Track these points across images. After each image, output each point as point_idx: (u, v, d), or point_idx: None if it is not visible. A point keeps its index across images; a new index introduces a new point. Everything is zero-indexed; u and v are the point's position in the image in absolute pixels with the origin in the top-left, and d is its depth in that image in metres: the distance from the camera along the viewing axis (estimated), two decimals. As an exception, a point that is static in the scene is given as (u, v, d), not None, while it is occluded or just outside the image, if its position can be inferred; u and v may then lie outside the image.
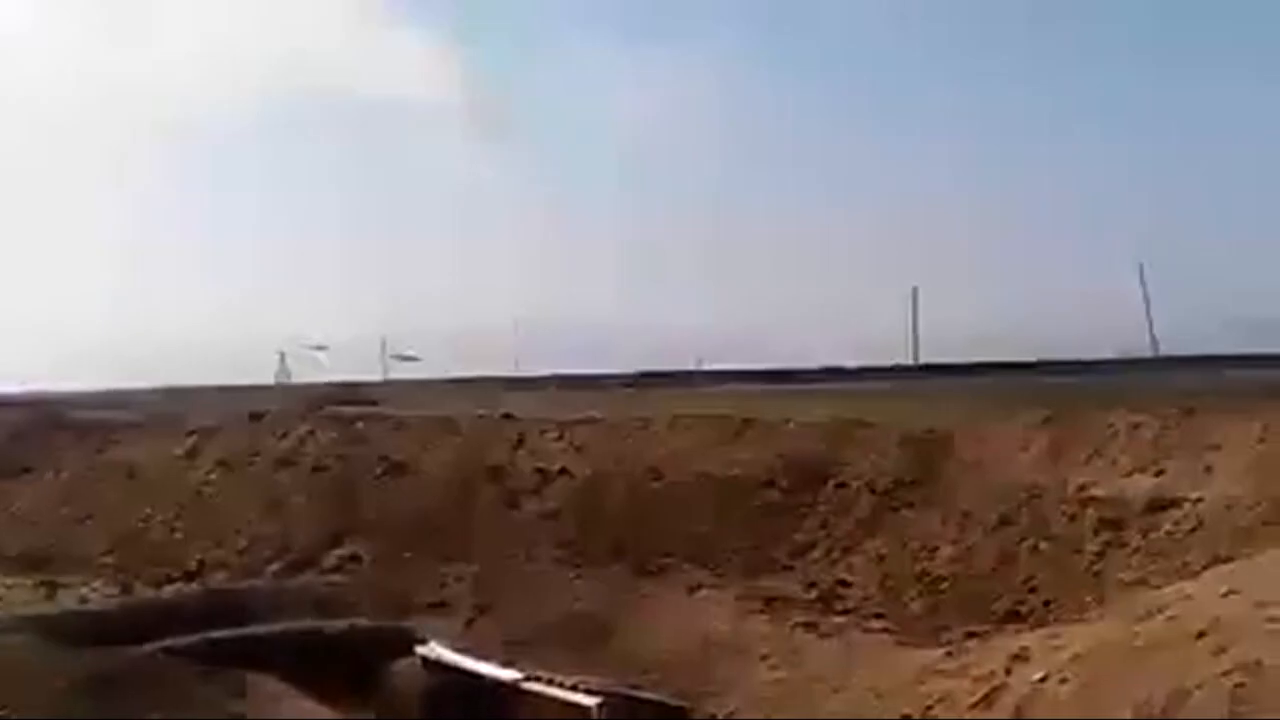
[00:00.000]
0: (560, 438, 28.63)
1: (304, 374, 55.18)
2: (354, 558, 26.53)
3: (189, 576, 27.02)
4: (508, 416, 31.00)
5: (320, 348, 57.29)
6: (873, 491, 23.18)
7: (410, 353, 56.10)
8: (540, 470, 27.28)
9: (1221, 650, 12.37)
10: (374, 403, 38.47)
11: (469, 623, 21.52)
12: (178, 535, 29.34)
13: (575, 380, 48.08)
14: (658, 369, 50.31)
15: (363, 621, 21.79)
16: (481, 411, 31.75)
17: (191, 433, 33.64)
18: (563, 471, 26.93)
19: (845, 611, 19.72)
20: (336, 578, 25.39)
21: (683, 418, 27.84)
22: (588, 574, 22.16)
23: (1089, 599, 17.70)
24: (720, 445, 26.42)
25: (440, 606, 22.40)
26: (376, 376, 54.52)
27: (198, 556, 27.95)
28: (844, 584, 21.00)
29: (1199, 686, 11.84)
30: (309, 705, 17.88)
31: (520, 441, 29.25)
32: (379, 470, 29.40)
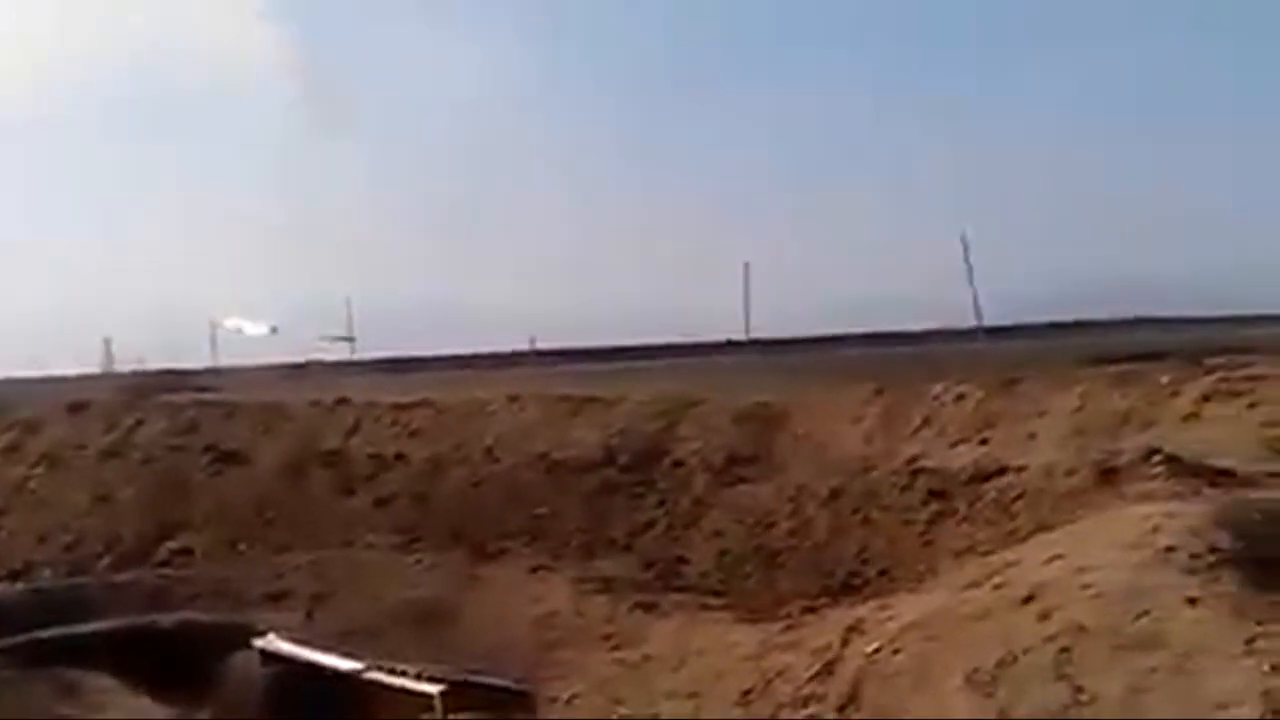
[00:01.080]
0: (395, 422, 28.39)
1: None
2: (186, 550, 26.01)
3: (13, 576, 26.18)
4: (342, 401, 30.62)
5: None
6: (708, 468, 23.36)
7: (343, 334, 54.64)
8: (375, 456, 27.03)
9: (1046, 615, 12.76)
10: (204, 389, 37.69)
11: (308, 614, 21.20)
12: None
13: (409, 362, 47.66)
14: (492, 350, 50.13)
15: (197, 615, 21.32)
16: (315, 397, 31.29)
17: (11, 425, 32.58)
18: (399, 457, 26.70)
19: (684, 589, 19.87)
20: (168, 571, 24.79)
21: (518, 398, 27.76)
22: (426, 560, 21.99)
23: (921, 568, 18.10)
24: (557, 425, 26.44)
25: (278, 598, 22.03)
26: (204, 363, 53.23)
27: (23, 556, 27.11)
28: (682, 561, 21.18)
29: (1026, 651, 12.20)
30: (142, 703, 17.47)
31: (355, 427, 28.96)
32: (210, 459, 28.82)
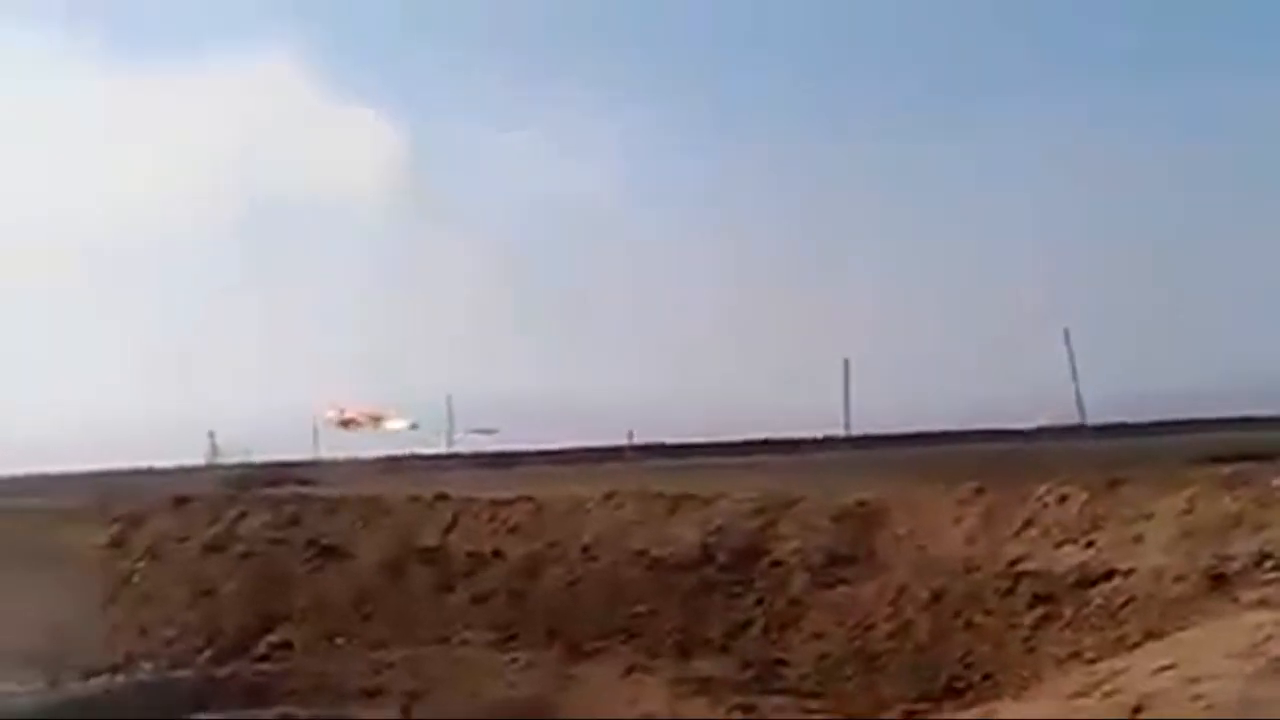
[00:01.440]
0: (493, 518, 28.48)
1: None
2: (285, 645, 26.16)
3: (115, 669, 26.47)
4: (441, 497, 30.80)
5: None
6: (807, 568, 23.16)
7: (487, 426, 55.11)
8: (472, 553, 27.09)
9: (1156, 725, 12.45)
10: (306, 483, 38.07)
11: (403, 709, 21.26)
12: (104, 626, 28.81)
13: (507, 456, 47.85)
14: (588, 445, 50.16)
15: (295, 711, 21.46)
16: (414, 492, 31.49)
17: (117, 519, 33.11)
18: (496, 553, 26.75)
19: (782, 691, 19.66)
20: (267, 666, 24.99)
21: (615, 495, 27.75)
22: (522, 657, 21.98)
23: (1025, 674, 17.76)
24: (654, 522, 26.36)
25: (374, 694, 22.12)
26: (308, 455, 53.76)
27: (125, 648, 27.43)
28: (781, 663, 20.94)
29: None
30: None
31: (454, 523, 29.07)
32: (310, 554, 29.07)
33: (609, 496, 27.95)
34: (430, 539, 28.28)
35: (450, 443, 55.27)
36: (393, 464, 48.00)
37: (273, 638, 26.47)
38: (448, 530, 28.80)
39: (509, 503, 29.16)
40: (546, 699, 20.05)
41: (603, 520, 27.03)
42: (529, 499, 29.05)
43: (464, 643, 23.80)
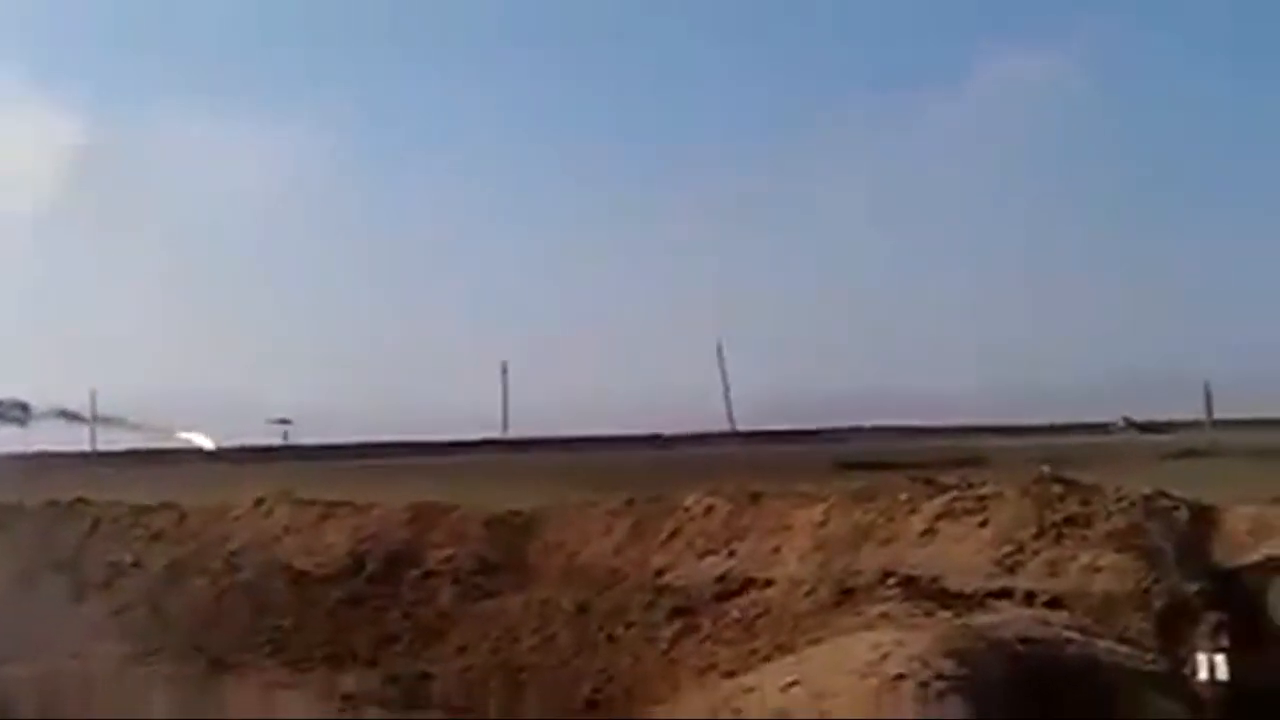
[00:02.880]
0: (135, 524, 27.37)
1: None
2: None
3: None
4: (80, 501, 29.42)
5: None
6: (456, 579, 23.10)
7: (283, 416, 52.21)
8: (112, 563, 25.91)
9: (783, 743, 12.98)
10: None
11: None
12: None
13: (153, 455, 46.17)
14: (248, 443, 49.00)
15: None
16: (51, 497, 29.90)
17: None
18: (136, 563, 25.67)
19: (427, 706, 19.52)
20: None
21: (264, 501, 27.05)
22: (160, 674, 21.14)
23: (663, 687, 18.16)
24: (305, 531, 25.82)
25: (-3, 715, 20.92)
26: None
27: None
28: (427, 676, 20.77)
29: (763, 781, 12.40)
30: None
31: (94, 528, 27.81)
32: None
33: (258, 503, 27.23)
34: (66, 548, 26.89)
35: (94, 440, 53.09)
36: (33, 462, 45.65)
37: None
38: (87, 536, 27.52)
39: (152, 509, 28.08)
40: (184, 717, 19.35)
41: (251, 528, 26.32)
42: (173, 505, 28.04)
43: (97, 658, 22.67)
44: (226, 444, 51.75)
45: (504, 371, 49.12)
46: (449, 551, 24.14)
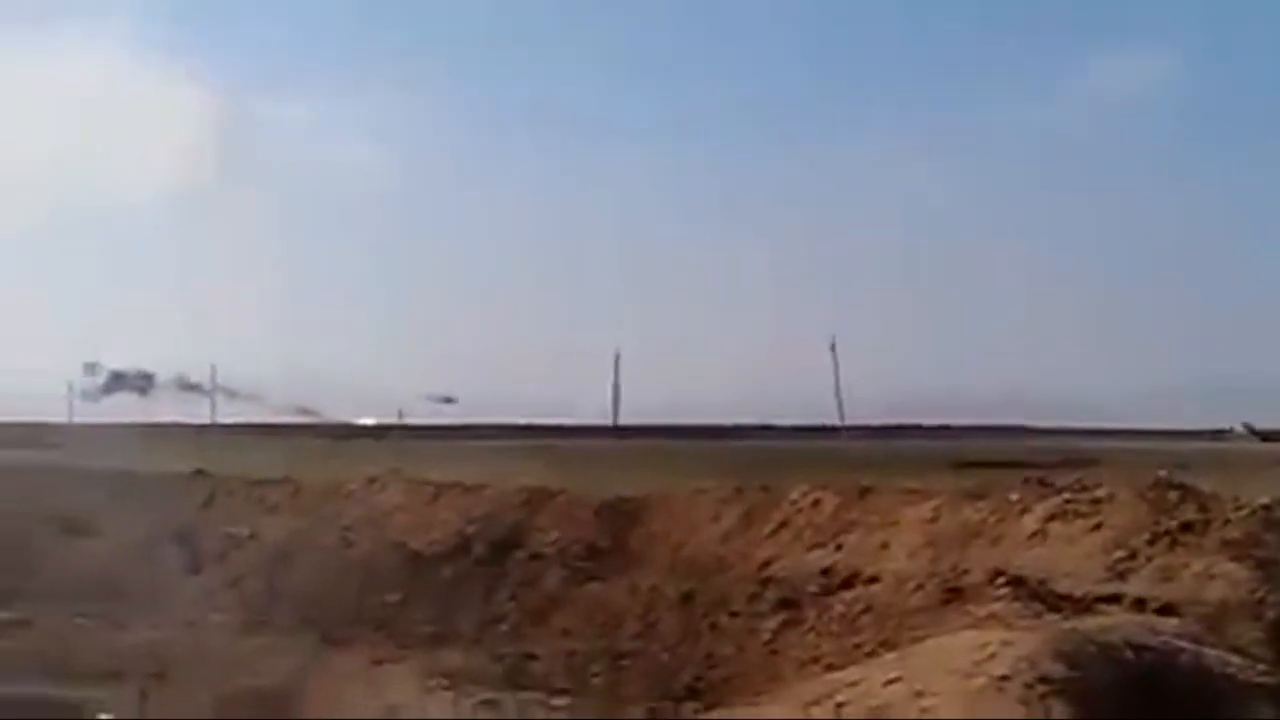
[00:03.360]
0: (251, 498, 27.94)
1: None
2: (21, 622, 25.14)
3: None
4: (199, 473, 30.10)
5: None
6: (564, 563, 23.25)
7: (447, 394, 53.00)
8: (229, 534, 26.47)
9: (884, 740, 12.89)
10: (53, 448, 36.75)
11: (141, 693, 20.66)
12: None
13: (269, 429, 47.00)
14: (360, 422, 49.64)
15: (27, 689, 20.66)
16: (170, 468, 30.64)
17: None
18: (251, 536, 26.20)
19: (529, 687, 19.69)
20: (1, 643, 24.01)
21: (377, 479, 27.46)
22: (271, 644, 21.57)
23: (764, 678, 18.15)
24: (416, 510, 26.15)
25: (114, 676, 21.45)
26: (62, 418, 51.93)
27: None
28: (530, 657, 20.96)
29: (861, 776, 12.35)
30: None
31: (210, 500, 28.44)
32: (55, 528, 28.00)
33: (371, 480, 27.65)
34: (184, 517, 27.53)
35: (214, 411, 54.11)
36: (153, 432, 46.67)
37: (8, 615, 25.42)
38: (204, 508, 28.15)
39: (269, 483, 28.63)
40: (290, 688, 19.70)
41: (364, 504, 26.72)
42: (289, 480, 28.56)
43: (212, 627, 23.20)
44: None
45: (617, 361, 49.14)
46: (557, 535, 24.31)
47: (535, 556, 23.81)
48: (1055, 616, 17.01)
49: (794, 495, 23.55)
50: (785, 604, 20.14)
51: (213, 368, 55.44)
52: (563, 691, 19.46)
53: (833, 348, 48.13)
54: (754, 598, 20.50)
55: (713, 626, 20.27)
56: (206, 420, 53.38)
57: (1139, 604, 18.62)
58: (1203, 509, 20.53)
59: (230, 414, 55.58)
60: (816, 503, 23.21)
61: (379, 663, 20.32)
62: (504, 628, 21.95)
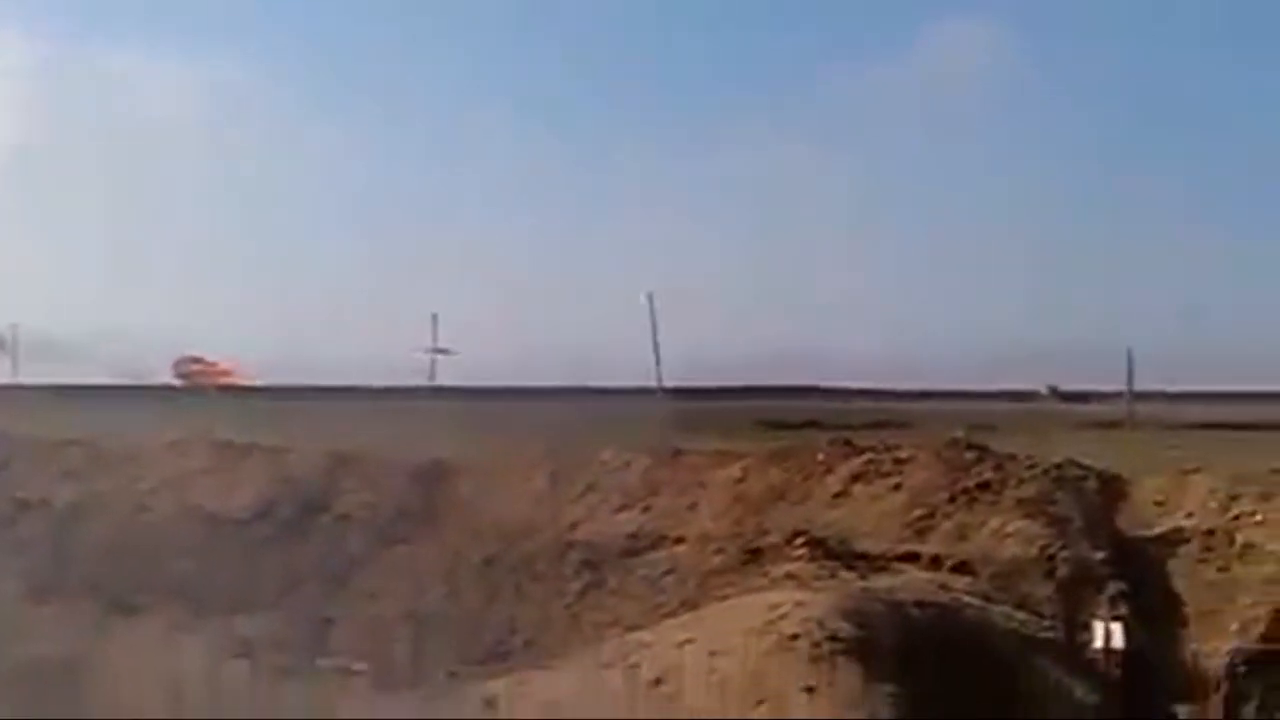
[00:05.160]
0: (47, 461, 26.99)
1: None
2: None
3: None
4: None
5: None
6: (370, 526, 22.91)
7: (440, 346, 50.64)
8: (18, 499, 25.52)
9: (674, 698, 12.95)
10: None
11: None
12: None
13: (70, 390, 45.36)
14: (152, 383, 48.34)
15: None
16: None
17: None
18: (43, 500, 25.29)
19: (329, 653, 19.32)
20: None
21: (179, 443, 26.71)
22: (57, 613, 20.83)
23: (566, 640, 18.11)
24: (220, 473, 25.52)
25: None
26: None
27: None
28: (328, 622, 20.58)
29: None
30: None
31: (4, 464, 27.43)
32: None
33: (174, 444, 26.89)
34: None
35: (15, 371, 52.07)
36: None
37: None
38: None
39: (67, 445, 27.69)
40: (74, 659, 19.04)
41: (165, 468, 25.98)
42: (88, 442, 27.64)
43: (-3, 596, 22.31)
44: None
45: (434, 322, 48.42)
46: (364, 497, 23.96)
47: (341, 519, 23.43)
48: (851, 575, 17.26)
49: (604, 456, 23.57)
50: (589, 566, 20.15)
51: (14, 326, 53.23)
52: (362, 655, 19.12)
53: (650, 305, 47.89)
54: (558, 560, 20.47)
55: (516, 589, 20.18)
56: (6, 381, 51.27)
57: (935, 562, 19.02)
58: (999, 469, 21.05)
59: (38, 374, 53.55)
60: (626, 465, 23.26)
61: (172, 631, 19.71)
62: (305, 593, 21.53)
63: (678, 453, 23.55)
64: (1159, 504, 20.15)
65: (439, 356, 50.72)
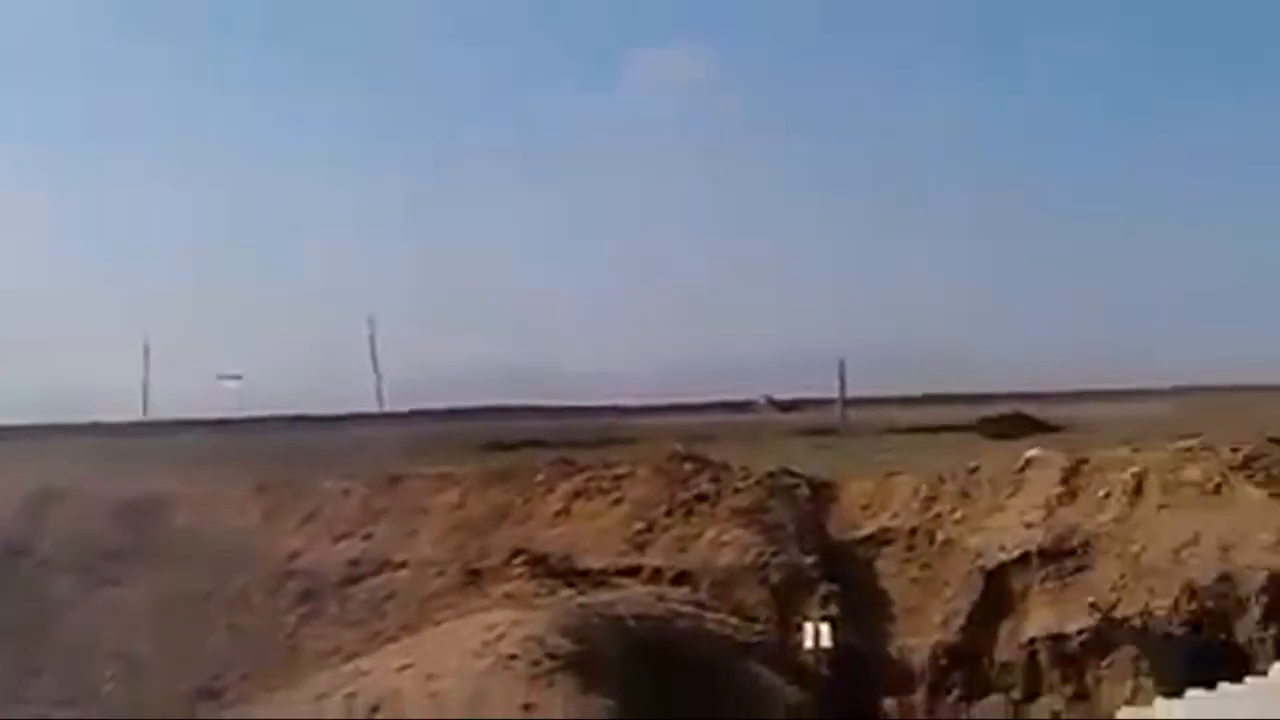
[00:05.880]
0: None
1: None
2: None
3: None
4: None
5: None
6: (76, 567, 22.01)
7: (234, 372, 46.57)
8: None
9: (390, 726, 12.85)
10: None
11: None
12: None
13: None
14: None
15: None
16: None
17: None
18: None
19: (33, 701, 18.50)
20: None
21: None
22: None
23: (285, 672, 17.75)
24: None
25: None
26: None
27: None
28: (35, 672, 19.69)
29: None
30: None
31: None
32: None
33: None
34: None
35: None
36: None
37: None
38: None
39: None
40: None
41: None
42: None
43: None
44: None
45: (146, 352, 46.92)
46: (70, 538, 23.00)
47: (45, 563, 22.44)
48: (570, 592, 17.43)
49: (324, 486, 23.25)
50: (307, 596, 19.84)
51: None
52: (69, 702, 18.38)
53: (370, 328, 47.20)
54: (275, 592, 20.08)
55: (232, 623, 19.70)
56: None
57: (656, 574, 19.39)
58: (715, 479, 21.55)
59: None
60: (345, 493, 22.99)
61: None
62: (6, 642, 20.52)
63: (397, 478, 23.39)
64: (865, 507, 20.89)
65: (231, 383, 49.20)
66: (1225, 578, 17.56)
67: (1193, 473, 19.49)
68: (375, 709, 13.34)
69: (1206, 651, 16.55)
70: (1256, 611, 17.23)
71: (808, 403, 46.38)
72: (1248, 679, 12.94)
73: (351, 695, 13.78)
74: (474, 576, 18.93)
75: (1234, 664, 14.80)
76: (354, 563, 20.78)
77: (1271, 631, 16.91)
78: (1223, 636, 17.21)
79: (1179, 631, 17.30)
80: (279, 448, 33.11)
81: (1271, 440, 20.41)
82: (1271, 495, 18.80)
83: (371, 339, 46.39)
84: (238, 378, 49.48)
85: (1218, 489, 19.09)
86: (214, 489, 24.07)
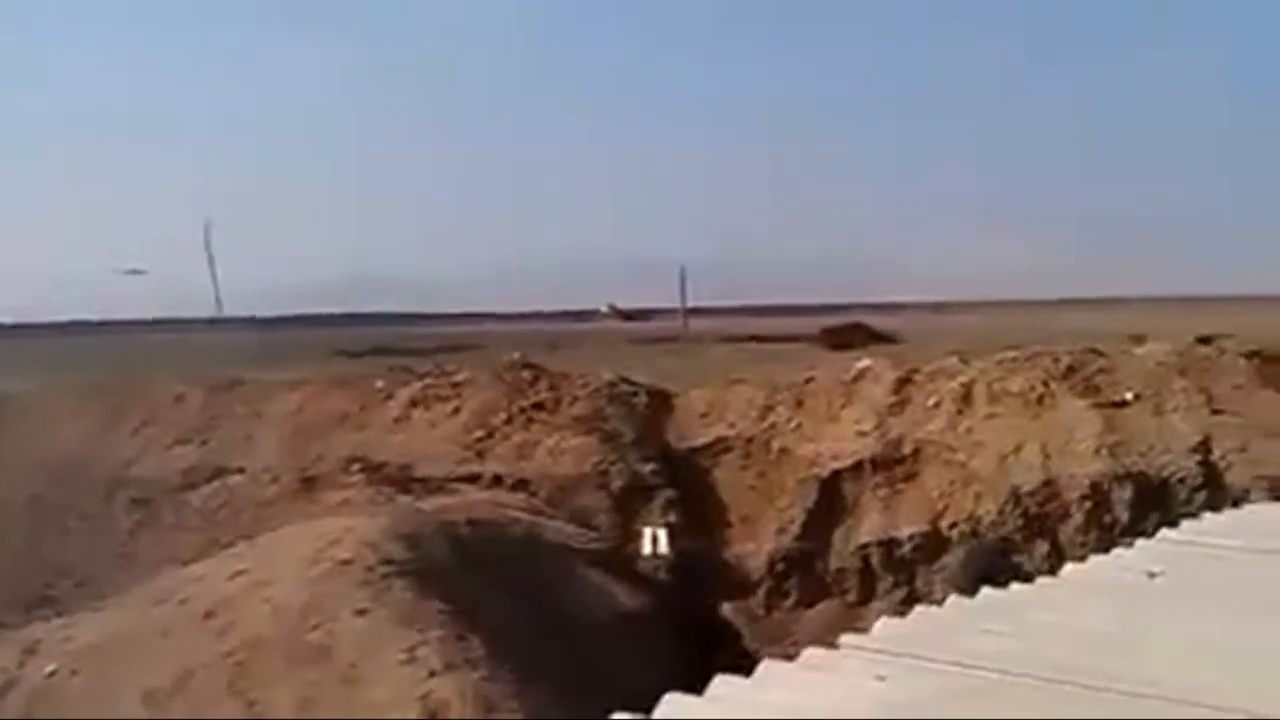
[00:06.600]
0: None
1: None
2: None
3: None
4: None
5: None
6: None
7: (136, 266, 44.08)
8: None
9: (225, 631, 12.83)
10: None
11: None
12: None
13: None
14: None
15: None
16: None
17: None
18: None
19: None
20: None
21: None
22: None
23: (119, 580, 17.58)
24: None
25: None
26: None
27: None
28: None
29: (204, 667, 12.22)
30: None
31: None
32: None
33: None
34: None
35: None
36: None
37: None
38: None
39: None
40: None
41: None
42: None
43: None
44: None
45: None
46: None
47: None
48: (408, 499, 17.49)
49: (160, 390, 22.91)
50: (143, 503, 19.61)
51: None
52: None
53: (207, 233, 46.29)
54: (110, 498, 19.81)
55: (65, 531, 19.41)
56: None
57: (496, 481, 19.52)
58: (554, 388, 21.73)
59: None
60: (181, 398, 22.70)
61: None
62: None
63: (236, 383, 23.15)
64: (704, 416, 21.23)
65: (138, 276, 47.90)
66: (1048, 483, 18.24)
67: (1017, 382, 20.15)
68: (209, 615, 13.30)
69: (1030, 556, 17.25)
70: (1078, 517, 17.91)
71: (655, 312, 46.72)
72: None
73: (184, 601, 13.72)
74: (311, 483, 18.88)
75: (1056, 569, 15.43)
76: (190, 469, 20.58)
77: (1093, 535, 17.56)
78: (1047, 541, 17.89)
79: (1005, 536, 17.95)
80: (118, 351, 32.53)
81: (1092, 350, 21.20)
82: (1092, 405, 19.54)
83: (208, 243, 45.46)
84: (141, 272, 48.49)
85: (1040, 399, 19.77)
86: (49, 392, 23.61)
